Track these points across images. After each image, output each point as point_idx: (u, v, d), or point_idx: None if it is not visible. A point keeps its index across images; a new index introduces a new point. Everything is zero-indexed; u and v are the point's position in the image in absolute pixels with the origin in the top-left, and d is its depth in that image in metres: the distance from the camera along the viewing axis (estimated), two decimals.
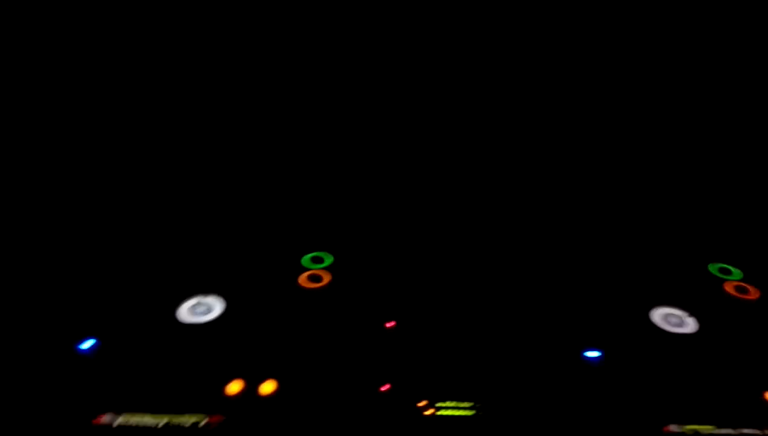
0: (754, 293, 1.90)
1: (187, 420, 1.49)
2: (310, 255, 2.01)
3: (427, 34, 2.12)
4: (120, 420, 1.46)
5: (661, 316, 1.81)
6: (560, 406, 1.59)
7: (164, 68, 2.09)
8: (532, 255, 2.01)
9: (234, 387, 1.61)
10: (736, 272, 1.98)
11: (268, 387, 1.63)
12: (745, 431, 1.53)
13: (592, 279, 1.91)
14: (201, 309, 1.75)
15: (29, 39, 1.92)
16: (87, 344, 1.59)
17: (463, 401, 1.60)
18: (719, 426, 1.54)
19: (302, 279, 1.92)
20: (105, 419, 1.47)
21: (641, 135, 2.24)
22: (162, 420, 1.47)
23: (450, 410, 1.59)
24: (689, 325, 1.79)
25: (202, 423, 1.50)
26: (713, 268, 1.99)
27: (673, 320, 1.80)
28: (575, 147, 2.25)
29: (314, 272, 1.95)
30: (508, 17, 2.11)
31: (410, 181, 2.26)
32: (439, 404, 1.60)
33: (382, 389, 1.64)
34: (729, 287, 1.92)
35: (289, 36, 2.09)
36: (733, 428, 1.54)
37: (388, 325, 1.81)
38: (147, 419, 1.46)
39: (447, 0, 2.10)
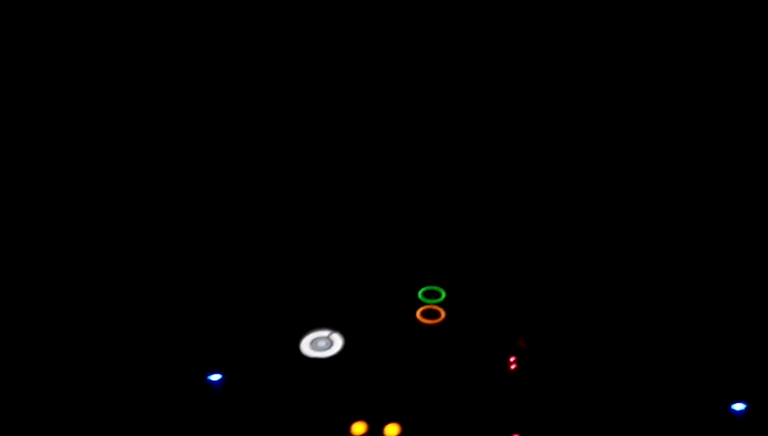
0: None
1: None
2: (424, 289, 2.06)
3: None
4: None
5: None
6: None
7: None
8: (666, 294, 2.02)
9: (358, 429, 1.67)
10: None
11: (391, 430, 1.68)
12: None
13: (736, 326, 1.91)
14: (322, 344, 1.82)
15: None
16: (214, 378, 1.68)
17: None
18: None
19: (418, 315, 1.98)
20: None
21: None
22: None
23: None
24: None
25: None
26: None
27: None
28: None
29: (430, 307, 2.00)
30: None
31: (522, 209, 2.30)
32: None
33: None
34: None
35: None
36: None
37: (511, 365, 1.84)
38: None
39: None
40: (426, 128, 2.29)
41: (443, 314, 1.97)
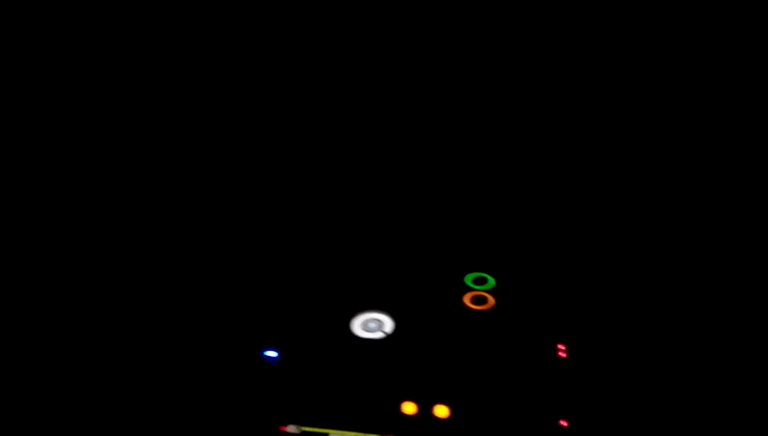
0: None
1: None
2: (472, 275, 2.09)
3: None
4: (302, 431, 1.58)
5: None
6: None
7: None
8: (715, 290, 2.02)
9: (408, 408, 1.71)
10: None
11: (441, 411, 1.72)
12: None
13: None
14: (372, 325, 1.86)
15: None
16: (271, 354, 1.74)
17: None
18: None
19: (467, 300, 2.01)
20: (289, 429, 1.60)
21: None
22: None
23: None
24: None
25: None
26: None
27: None
28: None
29: (478, 293, 2.03)
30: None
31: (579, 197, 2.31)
32: None
33: (561, 423, 1.70)
34: None
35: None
36: None
37: (560, 352, 1.87)
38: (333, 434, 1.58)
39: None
40: (481, 118, 2.31)
41: (492, 301, 2.00)
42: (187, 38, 2.11)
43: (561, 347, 1.85)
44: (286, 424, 1.63)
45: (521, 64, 2.28)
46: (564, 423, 1.68)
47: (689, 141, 2.25)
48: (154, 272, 1.94)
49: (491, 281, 2.06)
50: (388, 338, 1.83)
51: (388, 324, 1.87)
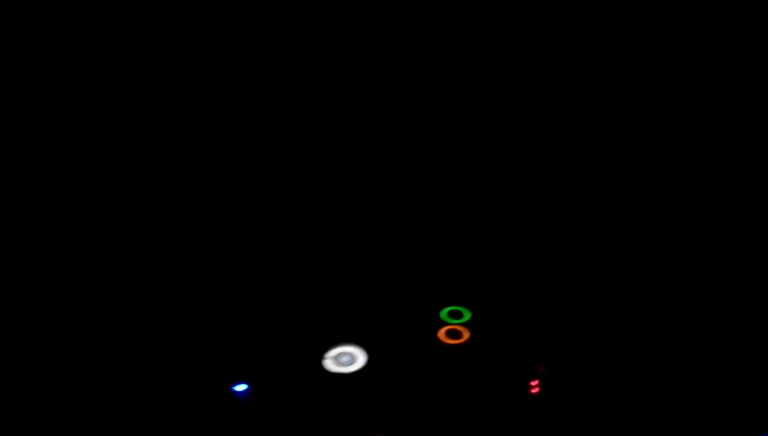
0: None
1: None
2: (447, 309, 2.09)
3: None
4: None
5: None
6: None
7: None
8: (695, 317, 2.02)
9: None
10: None
11: None
12: None
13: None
14: (345, 359, 1.86)
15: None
16: (240, 388, 1.73)
17: None
18: None
19: (441, 334, 2.01)
20: None
21: None
22: None
23: None
24: None
25: None
26: None
27: None
28: None
29: (453, 327, 2.04)
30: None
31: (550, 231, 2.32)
32: None
33: None
34: None
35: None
36: None
37: (533, 388, 1.87)
38: None
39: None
40: (460, 149, 2.32)
41: (466, 335, 2.00)
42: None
43: (534, 383, 1.86)
44: None
45: (512, 93, 2.28)
46: None
47: (678, 171, 2.25)
48: (127, 302, 1.93)
49: (467, 315, 2.06)
50: (361, 372, 1.83)
51: (360, 358, 1.87)
